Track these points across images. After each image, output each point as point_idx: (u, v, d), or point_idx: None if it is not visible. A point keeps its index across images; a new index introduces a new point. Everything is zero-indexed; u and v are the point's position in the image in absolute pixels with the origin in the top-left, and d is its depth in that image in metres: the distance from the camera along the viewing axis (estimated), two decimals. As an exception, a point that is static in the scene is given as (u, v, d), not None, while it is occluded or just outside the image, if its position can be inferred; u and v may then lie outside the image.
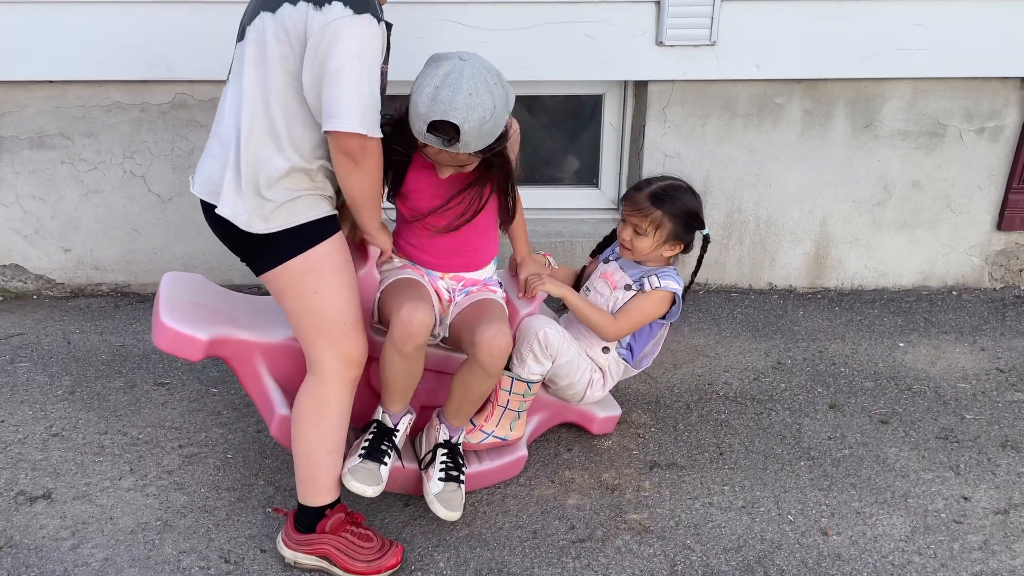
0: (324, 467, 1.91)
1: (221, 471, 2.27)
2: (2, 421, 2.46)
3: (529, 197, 3.20)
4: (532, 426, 2.32)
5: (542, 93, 3.06)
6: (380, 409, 2.03)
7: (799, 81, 2.93)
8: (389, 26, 1.85)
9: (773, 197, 3.11)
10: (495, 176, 1.98)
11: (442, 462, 2.04)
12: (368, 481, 1.92)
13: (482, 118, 1.75)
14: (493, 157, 1.91)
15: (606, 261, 2.30)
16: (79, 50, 2.79)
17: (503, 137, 1.87)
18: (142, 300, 3.18)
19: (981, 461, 2.32)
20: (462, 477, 2.04)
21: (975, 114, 3.00)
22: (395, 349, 1.89)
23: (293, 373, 2.09)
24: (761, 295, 3.23)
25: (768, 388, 2.65)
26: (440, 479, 2.02)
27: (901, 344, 2.90)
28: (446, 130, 1.75)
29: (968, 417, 2.51)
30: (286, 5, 1.68)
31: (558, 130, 3.17)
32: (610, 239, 2.33)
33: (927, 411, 2.54)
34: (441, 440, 2.06)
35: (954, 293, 3.26)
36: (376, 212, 1.92)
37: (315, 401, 1.88)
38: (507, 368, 2.11)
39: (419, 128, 1.79)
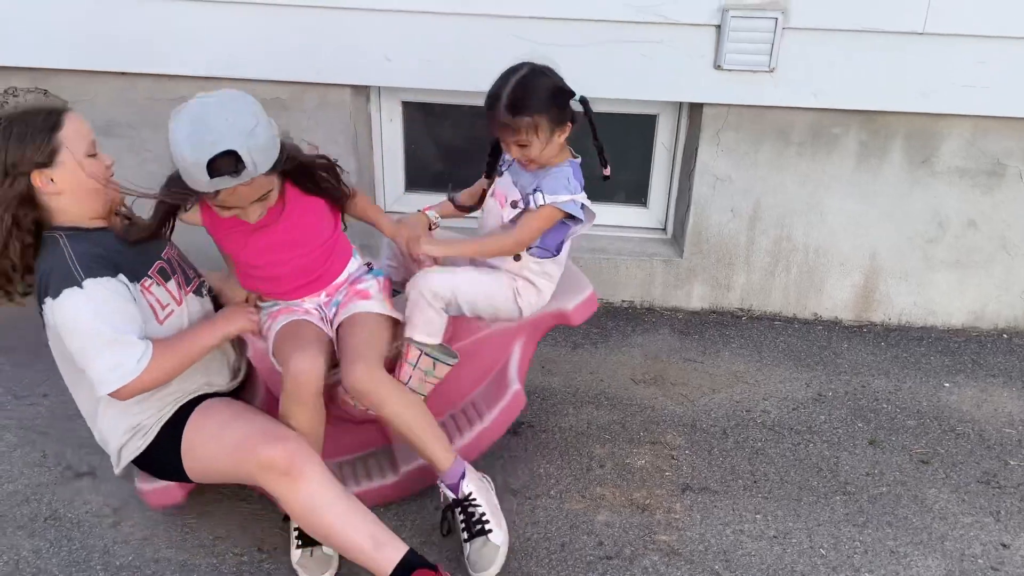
0: (352, 550, 1.81)
1: (259, 461, 2.32)
2: (48, 396, 2.54)
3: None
4: (515, 358, 2.23)
5: (596, 110, 3.07)
6: None
7: (857, 112, 2.90)
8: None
9: (824, 227, 3.08)
10: (302, 181, 1.94)
11: (461, 522, 1.99)
12: (319, 570, 1.94)
13: (250, 132, 1.69)
14: (290, 171, 1.87)
15: (500, 174, 2.14)
16: (148, 45, 2.88)
17: (283, 150, 1.80)
18: (193, 290, 3.26)
19: (1023, 508, 2.26)
20: (486, 527, 1.96)
21: (1037, 155, 2.94)
22: (293, 401, 1.85)
23: None
24: (805, 325, 3.19)
25: (807, 419, 2.62)
26: (464, 540, 1.98)
27: (947, 384, 2.85)
28: (227, 164, 1.67)
29: (1012, 463, 2.45)
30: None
31: (609, 147, 3.18)
32: (496, 153, 2.14)
33: (970, 454, 2.48)
34: (449, 501, 2.01)
35: (1005, 336, 3.19)
36: (207, 339, 1.87)
37: (295, 508, 1.81)
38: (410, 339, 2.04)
39: (202, 181, 1.68)
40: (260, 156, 1.71)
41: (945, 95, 2.82)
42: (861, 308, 3.21)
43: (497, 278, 2.11)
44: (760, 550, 2.09)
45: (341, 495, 1.81)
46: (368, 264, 2.17)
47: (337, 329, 2.03)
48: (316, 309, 2.07)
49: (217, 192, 1.72)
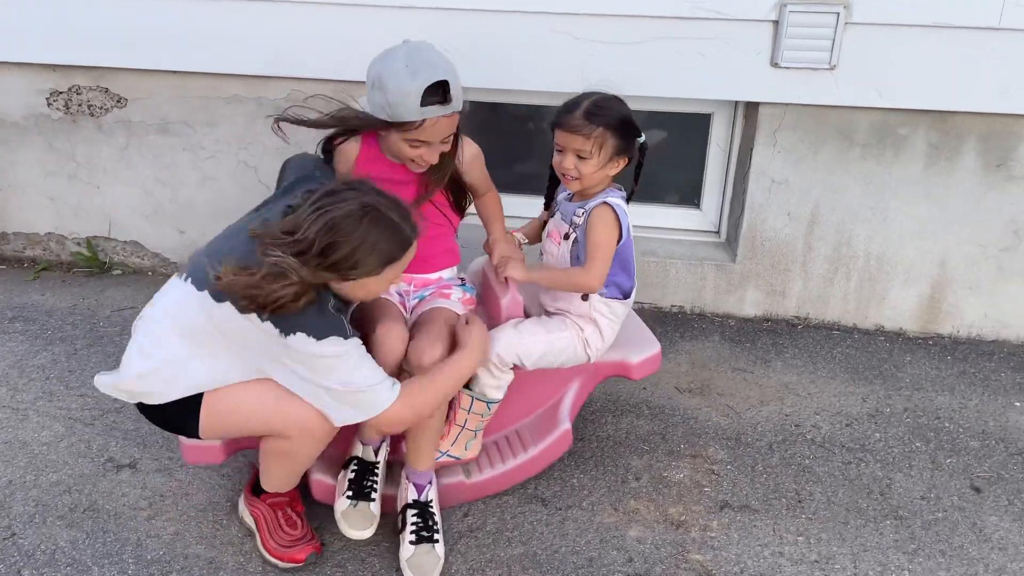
0: (279, 476, 1.99)
1: (293, 460, 2.32)
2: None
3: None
4: (570, 398, 2.25)
5: (648, 109, 2.99)
6: (358, 443, 2.02)
7: (925, 112, 2.74)
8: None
9: (888, 233, 2.93)
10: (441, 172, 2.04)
11: (412, 523, 1.97)
12: (361, 524, 1.95)
13: (455, 70, 1.88)
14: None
15: (553, 215, 2.15)
16: (203, 44, 2.93)
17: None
18: (245, 285, 3.31)
19: (1095, 544, 2.10)
20: (436, 536, 1.97)
21: None
22: None
23: None
24: (866, 336, 3.04)
25: (860, 436, 2.49)
26: (411, 542, 1.95)
27: (1017, 403, 2.66)
28: (439, 93, 1.84)
29: (1086, 493, 2.28)
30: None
31: (661, 148, 3.09)
32: (554, 181, 2.15)
33: (1038, 481, 2.32)
34: (409, 500, 2.01)
35: (1087, 353, 2.97)
36: (465, 370, 1.92)
37: (284, 448, 1.87)
38: (467, 386, 2.05)
39: (411, 107, 1.83)
40: (460, 93, 1.89)
41: (1023, 95, 2.63)
42: (927, 319, 3.03)
43: (563, 333, 2.09)
44: (799, 575, 1.99)
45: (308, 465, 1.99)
46: (462, 278, 2.24)
47: (419, 316, 2.08)
48: (399, 294, 2.13)
49: (420, 123, 1.86)
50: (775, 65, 2.69)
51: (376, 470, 2.03)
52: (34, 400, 2.55)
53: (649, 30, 2.72)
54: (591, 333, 2.09)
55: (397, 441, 2.14)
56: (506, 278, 2.09)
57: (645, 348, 2.28)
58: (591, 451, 2.39)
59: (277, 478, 1.99)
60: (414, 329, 2.01)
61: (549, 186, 2.19)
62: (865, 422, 2.56)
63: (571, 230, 2.04)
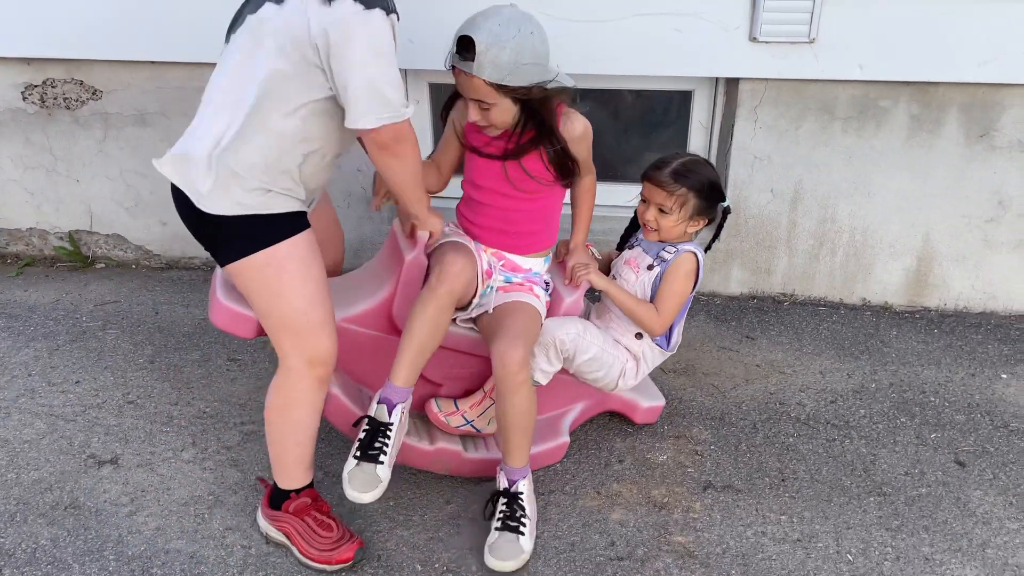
0: (292, 456, 1.95)
1: (275, 452, 2.32)
2: (80, 383, 2.60)
3: (610, 194, 3.12)
4: (574, 414, 2.30)
5: (628, 88, 2.96)
6: (374, 401, 1.93)
7: (907, 84, 2.70)
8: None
9: (872, 207, 2.90)
10: (532, 127, 1.98)
11: (500, 511, 1.99)
12: (364, 487, 1.84)
13: (500, 44, 1.81)
14: (533, 108, 1.94)
15: (631, 247, 2.25)
16: (177, 33, 2.89)
17: (528, 89, 1.89)
18: (228, 276, 3.29)
19: (1079, 515, 2.09)
20: (522, 528, 1.96)
21: (1112, 126, 2.69)
22: (429, 291, 1.92)
23: (346, 353, 2.11)
24: (852, 311, 3.02)
25: (845, 413, 2.48)
26: (496, 528, 1.97)
27: (1004, 376, 2.65)
28: (463, 45, 1.84)
29: (1071, 464, 2.27)
30: (286, 2, 1.67)
31: (643, 127, 3.06)
32: (631, 229, 2.29)
33: (1022, 453, 2.31)
34: (500, 488, 2.02)
35: (1075, 322, 2.95)
36: (421, 196, 1.96)
37: (281, 395, 1.90)
38: None
39: (451, 48, 1.88)
40: (491, 64, 1.83)
41: (1006, 63, 2.60)
42: (914, 293, 3.02)
43: (615, 352, 2.16)
44: (782, 554, 1.99)
45: (314, 423, 1.93)
46: (547, 282, 2.20)
47: (501, 305, 2.07)
48: (488, 265, 2.13)
49: (452, 68, 1.90)
50: (753, 40, 2.65)
51: (389, 432, 1.89)
52: (16, 397, 2.54)
53: (624, 6, 2.68)
54: (630, 368, 2.18)
55: (418, 397, 2.16)
56: (575, 284, 2.15)
57: (653, 398, 2.40)
58: (574, 434, 2.38)
59: (285, 458, 1.94)
60: (495, 320, 2.03)
61: (628, 228, 2.30)
62: (850, 398, 2.55)
63: (656, 263, 2.12)
